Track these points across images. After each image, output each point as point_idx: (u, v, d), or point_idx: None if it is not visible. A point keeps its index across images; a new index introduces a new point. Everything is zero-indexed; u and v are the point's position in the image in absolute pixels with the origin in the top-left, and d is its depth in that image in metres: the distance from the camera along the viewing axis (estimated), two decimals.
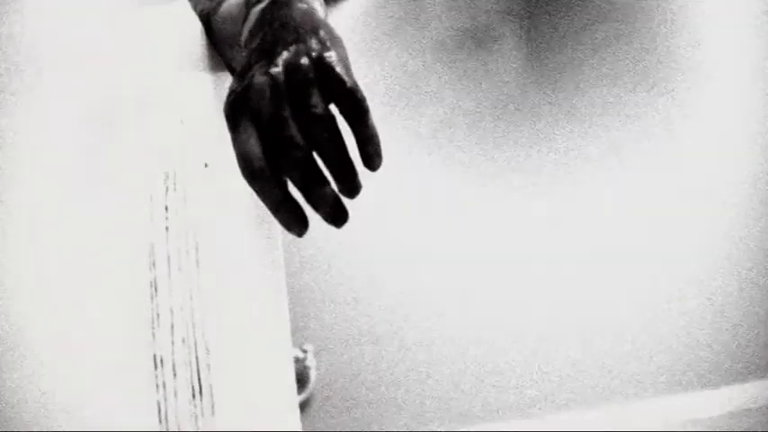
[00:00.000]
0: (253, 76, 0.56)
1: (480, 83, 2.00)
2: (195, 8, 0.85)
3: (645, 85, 2.00)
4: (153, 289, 0.47)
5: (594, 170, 1.95)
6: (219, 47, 0.83)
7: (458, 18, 2.05)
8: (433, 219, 1.90)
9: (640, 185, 1.91)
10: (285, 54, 0.57)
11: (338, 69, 0.56)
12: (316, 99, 0.54)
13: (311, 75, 0.56)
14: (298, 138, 0.53)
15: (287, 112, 0.53)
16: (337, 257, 1.88)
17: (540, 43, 2.01)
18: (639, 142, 1.96)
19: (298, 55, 0.57)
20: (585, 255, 1.87)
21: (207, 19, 0.83)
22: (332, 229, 1.80)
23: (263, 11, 0.65)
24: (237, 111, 0.54)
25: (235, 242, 0.74)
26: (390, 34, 2.09)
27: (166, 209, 0.55)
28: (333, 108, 1.86)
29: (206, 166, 0.71)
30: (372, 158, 0.56)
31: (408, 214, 1.91)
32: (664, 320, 1.81)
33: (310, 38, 0.59)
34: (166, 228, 0.54)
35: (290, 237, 1.56)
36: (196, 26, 0.81)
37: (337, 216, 0.53)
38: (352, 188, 0.54)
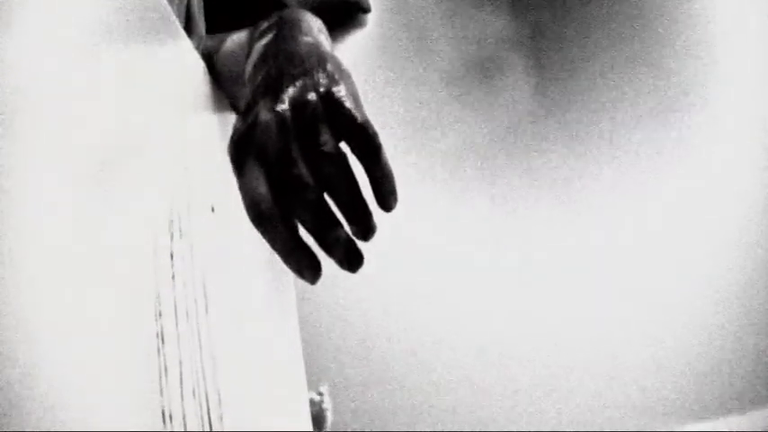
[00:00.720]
0: (258, 113, 0.53)
1: (490, 114, 1.99)
2: (198, 47, 0.83)
3: (657, 110, 1.98)
4: (160, 340, 0.45)
5: (608, 198, 1.93)
6: (223, 86, 0.81)
7: (465, 49, 2.04)
8: (447, 254, 1.88)
9: (655, 213, 1.89)
10: (291, 89, 0.55)
11: (348, 104, 0.54)
12: (325, 136, 0.52)
13: (319, 111, 0.53)
14: (307, 178, 0.50)
15: (295, 151, 0.51)
16: (350, 296, 1.85)
17: (549, 71, 2.00)
18: (653, 169, 1.94)
19: (304, 90, 0.55)
20: (601, 285, 1.84)
21: (210, 58, 0.82)
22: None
23: (267, 45, 0.63)
24: (242, 151, 0.52)
25: (245, 288, 0.72)
26: (397, 68, 2.08)
27: (172, 256, 0.52)
28: (343, 145, 1.85)
29: (212, 210, 0.69)
30: (387, 198, 0.54)
31: (422, 250, 1.89)
32: (673, 347, 1.77)
33: (317, 72, 0.57)
34: (172, 276, 0.51)
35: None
36: (199, 66, 0.79)
37: (352, 260, 0.50)
38: (366, 230, 0.52)
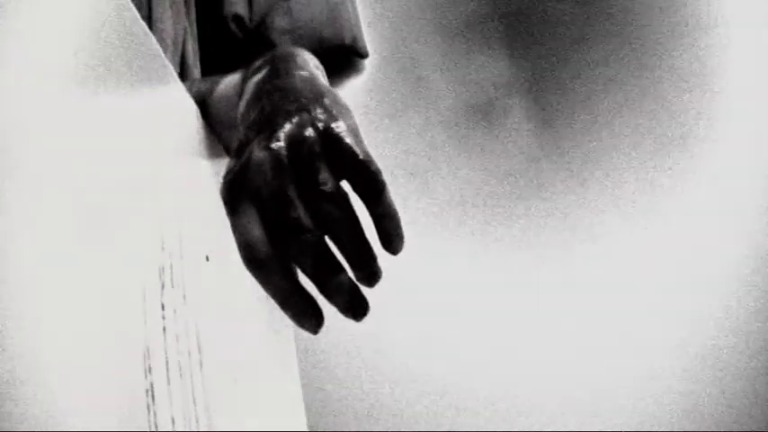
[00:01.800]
0: (251, 152, 0.50)
1: (491, 159, 1.97)
2: (190, 90, 0.81)
3: (657, 152, 1.96)
4: (150, 398, 0.42)
5: (611, 240, 1.90)
6: (217, 130, 0.78)
7: (464, 93, 2.03)
8: (448, 300, 1.84)
9: (659, 254, 1.86)
10: (287, 126, 0.51)
11: (348, 140, 0.51)
12: (324, 175, 0.48)
13: (317, 148, 0.50)
14: (306, 220, 0.47)
15: (291, 191, 0.47)
16: (351, 343, 1.82)
17: (549, 114, 1.99)
18: (655, 211, 1.91)
19: (301, 126, 0.51)
20: (604, 329, 1.81)
21: (203, 102, 0.79)
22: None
23: (260, 81, 0.60)
24: (236, 192, 0.48)
25: (242, 340, 0.69)
26: (395, 114, 2.07)
27: (163, 307, 0.49)
28: (344, 185, 1.82)
29: (207, 259, 0.66)
30: (393, 240, 0.50)
31: (423, 296, 1.85)
32: (674, 392, 1.73)
33: (314, 107, 0.53)
34: (163, 328, 0.48)
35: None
36: (192, 110, 0.77)
37: (356, 308, 0.46)
38: (371, 275, 0.48)
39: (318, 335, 1.76)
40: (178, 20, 1.68)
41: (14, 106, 0.39)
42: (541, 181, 1.92)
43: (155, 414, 0.42)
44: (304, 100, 0.53)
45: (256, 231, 0.46)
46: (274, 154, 0.48)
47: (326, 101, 0.53)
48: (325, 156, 0.49)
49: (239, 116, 0.60)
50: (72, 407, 0.36)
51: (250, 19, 1.91)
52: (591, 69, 2.00)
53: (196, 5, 1.82)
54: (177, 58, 1.52)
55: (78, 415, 0.36)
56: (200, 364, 0.55)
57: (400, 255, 1.84)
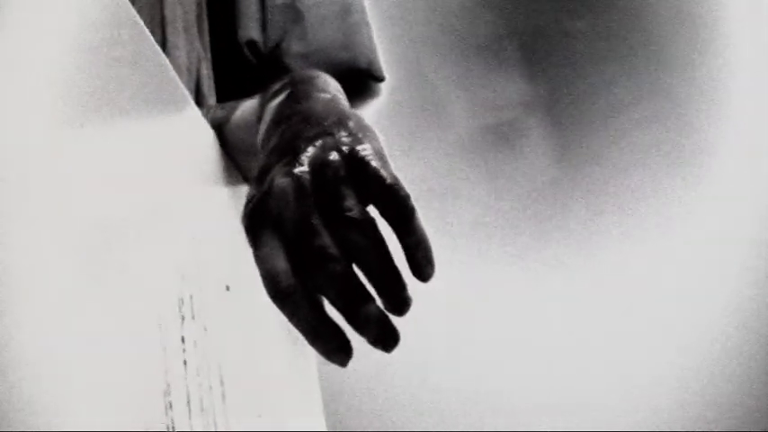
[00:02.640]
0: (273, 179, 0.48)
1: (510, 180, 1.95)
2: (207, 117, 0.79)
3: (678, 169, 1.94)
4: None
5: (632, 260, 1.87)
6: (235, 157, 0.77)
7: (481, 115, 2.01)
8: (471, 326, 1.82)
9: (681, 275, 1.83)
10: (310, 150, 0.49)
11: (374, 164, 0.48)
12: (350, 201, 0.46)
13: (342, 172, 0.48)
14: (332, 248, 0.44)
15: (316, 219, 0.45)
16: (376, 372, 1.79)
17: (568, 133, 1.97)
18: (676, 230, 1.88)
19: (325, 150, 0.49)
20: (625, 350, 1.78)
21: (220, 129, 0.77)
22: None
23: (280, 105, 0.58)
24: (257, 221, 0.46)
25: (264, 373, 0.67)
26: (412, 138, 2.05)
27: (183, 340, 0.47)
28: (371, 210, 1.80)
29: (227, 289, 0.64)
30: (423, 267, 0.48)
31: (444, 323, 1.83)
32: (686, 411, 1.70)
33: (338, 130, 0.51)
34: (184, 362, 0.46)
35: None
36: (208, 135, 0.75)
37: (387, 338, 0.44)
38: (400, 303, 0.46)
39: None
40: (192, 46, 1.67)
41: (27, 132, 0.37)
42: (561, 202, 1.90)
43: None
44: (326, 123, 0.51)
45: (280, 262, 0.44)
46: (297, 180, 0.46)
47: (350, 123, 0.51)
48: (351, 180, 0.47)
49: (259, 142, 0.58)
50: None
51: (264, 44, 1.90)
52: (609, 88, 1.97)
53: (210, 31, 1.81)
54: (192, 85, 1.52)
55: None
56: (223, 398, 0.53)
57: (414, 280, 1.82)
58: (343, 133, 0.50)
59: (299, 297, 0.43)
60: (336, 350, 0.43)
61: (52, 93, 0.41)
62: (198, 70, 1.67)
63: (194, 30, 1.79)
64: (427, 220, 1.93)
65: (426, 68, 2.11)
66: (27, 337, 0.32)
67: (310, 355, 0.82)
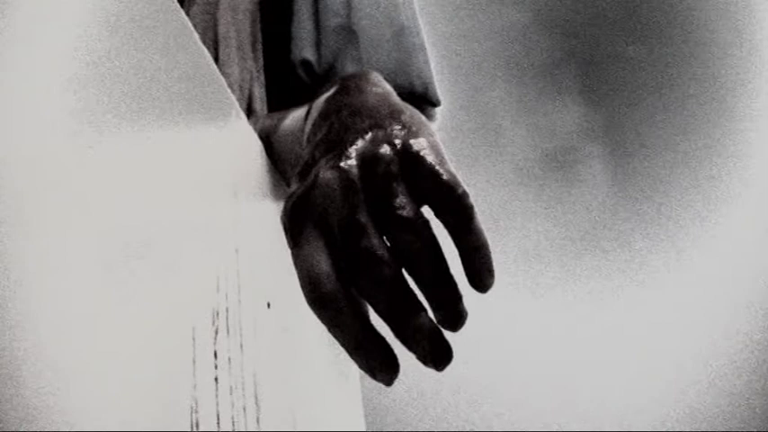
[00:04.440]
0: (318, 172, 0.44)
1: (566, 208, 1.90)
2: (255, 126, 0.76)
3: (737, 198, 1.88)
4: None
5: (693, 293, 1.81)
6: (281, 168, 0.73)
7: (538, 141, 1.97)
8: (521, 355, 1.77)
9: (745, 307, 1.76)
10: (360, 142, 0.45)
11: (429, 158, 0.44)
12: (402, 198, 0.42)
13: (394, 167, 0.43)
14: (380, 250, 0.40)
15: (364, 217, 0.41)
16: (421, 397, 1.75)
17: (626, 161, 1.91)
18: (736, 260, 1.82)
19: (375, 143, 0.45)
20: (686, 389, 1.72)
21: (268, 138, 0.74)
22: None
23: (329, 99, 0.54)
24: (299, 217, 0.42)
25: (304, 397, 0.63)
26: (468, 163, 2.02)
27: (215, 355, 0.44)
28: (426, 211, 1.75)
29: (269, 306, 0.61)
30: (482, 275, 0.43)
31: (495, 351, 1.78)
32: None
33: (391, 123, 0.47)
34: (215, 378, 0.42)
35: (371, 381, 1.45)
36: (256, 146, 0.72)
37: (438, 355, 0.39)
38: (455, 317, 0.41)
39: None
40: (245, 64, 1.65)
41: (72, 135, 0.34)
42: (618, 232, 1.84)
43: None
44: (378, 116, 0.47)
45: (323, 264, 0.39)
46: (344, 174, 0.42)
47: (404, 116, 0.47)
48: (404, 177, 0.43)
49: (305, 138, 0.55)
50: None
51: (318, 64, 1.88)
52: (669, 115, 1.92)
53: (264, 51, 1.79)
54: (243, 104, 1.49)
55: None
56: (258, 422, 0.49)
57: (469, 303, 1.77)
58: (397, 126, 0.46)
59: (341, 303, 0.39)
60: (381, 366, 0.39)
61: (99, 95, 0.38)
62: (250, 89, 1.66)
63: (248, 49, 1.78)
64: None
65: (482, 93, 2.07)
66: (53, 342, 0.29)
67: (354, 377, 0.78)
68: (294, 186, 0.44)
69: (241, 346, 0.50)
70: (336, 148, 0.45)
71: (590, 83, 2.00)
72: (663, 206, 1.86)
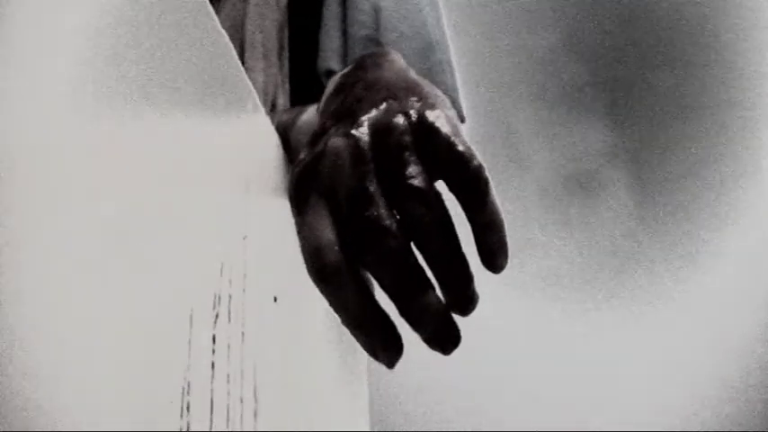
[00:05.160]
0: (327, 140, 0.42)
1: (588, 232, 1.87)
2: (273, 121, 0.75)
3: (763, 228, 1.85)
4: None
5: (714, 321, 1.78)
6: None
7: (561, 163, 1.94)
8: (538, 378, 1.74)
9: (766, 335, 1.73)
10: (373, 112, 0.43)
11: (445, 130, 0.42)
12: (414, 168, 0.39)
13: (407, 137, 0.41)
14: (388, 220, 0.38)
15: (373, 186, 0.39)
16: (429, 398, 1.72)
17: (650, 187, 1.89)
18: (762, 289, 1.79)
19: (390, 113, 0.43)
20: (706, 417, 1.68)
21: (285, 132, 0.73)
22: (429, 359, 1.65)
23: (345, 74, 0.52)
24: (304, 185, 0.40)
25: (308, 399, 0.61)
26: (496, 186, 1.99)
27: (214, 340, 0.42)
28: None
29: (275, 300, 0.59)
30: (496, 254, 0.41)
31: (512, 372, 1.76)
32: None
33: (407, 95, 0.45)
34: (212, 364, 0.41)
35: (376, 370, 1.43)
36: (272, 139, 0.70)
37: (445, 337, 0.37)
38: (465, 299, 0.39)
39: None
40: (270, 72, 1.64)
41: (91, 117, 0.33)
42: (639, 258, 1.81)
43: None
44: (395, 89, 0.45)
45: (327, 233, 0.37)
46: (355, 142, 0.40)
47: (421, 90, 0.45)
48: (417, 148, 0.41)
49: (318, 114, 0.53)
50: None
51: None
52: (696, 142, 1.89)
53: (290, 60, 1.78)
54: (267, 111, 1.48)
55: None
56: (255, 415, 0.47)
57: (486, 323, 1.74)
58: (413, 98, 0.44)
59: (344, 276, 0.37)
60: (383, 345, 0.37)
61: (116, 79, 0.37)
62: (274, 96, 1.65)
63: (274, 57, 1.77)
64: None
65: (508, 113, 2.05)
66: (47, 314, 0.27)
67: (362, 378, 0.76)
68: (303, 154, 0.42)
69: (243, 334, 0.48)
70: (348, 117, 0.43)
71: (616, 107, 1.98)
72: (686, 234, 1.83)
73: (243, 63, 1.54)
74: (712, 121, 1.97)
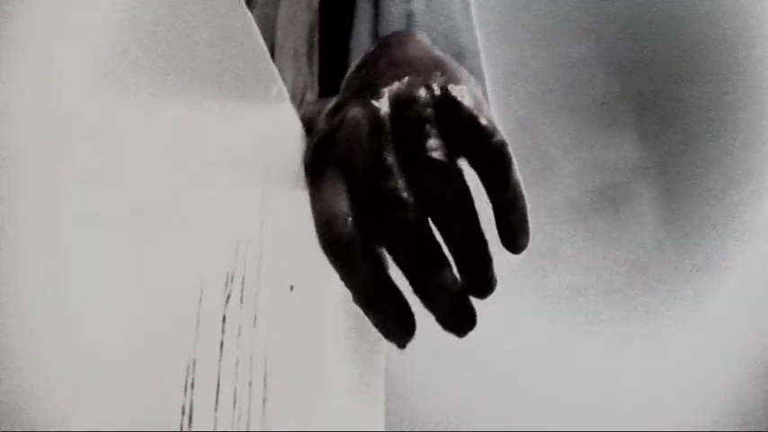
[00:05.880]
0: (346, 111, 0.41)
1: (615, 246, 1.85)
2: (298, 112, 0.74)
3: None
4: (185, 418, 0.33)
5: (738, 344, 1.75)
6: None
7: (590, 177, 1.92)
8: (559, 387, 1.72)
9: None
10: (395, 84, 0.42)
11: (468, 103, 0.41)
12: (435, 141, 0.38)
13: (429, 110, 0.40)
14: (404, 193, 0.36)
15: (391, 158, 0.37)
16: (452, 408, 1.70)
17: (678, 202, 1.86)
18: None
19: (412, 86, 0.42)
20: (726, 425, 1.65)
21: (310, 123, 0.72)
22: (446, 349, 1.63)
23: (368, 53, 0.51)
24: (321, 158, 0.39)
25: (320, 387, 0.60)
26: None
27: (224, 319, 0.40)
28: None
29: (291, 288, 0.58)
30: (516, 233, 0.39)
31: (533, 382, 1.74)
32: None
33: (431, 71, 0.44)
34: (220, 344, 0.39)
35: (393, 372, 1.41)
36: (295, 127, 0.69)
37: (461, 319, 0.35)
38: (483, 281, 0.37)
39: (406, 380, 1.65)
40: (299, 72, 1.64)
41: (114, 95, 0.33)
42: (664, 273, 1.79)
43: None
44: (419, 64, 0.44)
45: (340, 205, 0.36)
46: (374, 111, 0.39)
47: (448, 66, 0.44)
48: (438, 122, 0.39)
49: (341, 90, 0.51)
50: (80, 406, 0.27)
51: None
52: (726, 158, 1.86)
53: (320, 61, 1.78)
54: (298, 100, 1.48)
55: (84, 414, 0.27)
56: (264, 402, 0.45)
57: (509, 335, 1.72)
58: (437, 73, 0.42)
59: (356, 249, 0.35)
60: (395, 324, 0.35)
61: (139, 60, 0.36)
62: (302, 97, 1.64)
63: (304, 58, 1.76)
64: (523, 279, 1.85)
65: (537, 124, 2.03)
66: (55, 281, 0.26)
67: (379, 380, 0.74)
68: (321, 124, 0.41)
69: (255, 318, 0.46)
70: (369, 90, 0.42)
71: (646, 121, 1.95)
72: (712, 252, 1.80)
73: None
74: (742, 137, 1.94)
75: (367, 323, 0.70)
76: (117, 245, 0.32)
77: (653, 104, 2.00)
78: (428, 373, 1.69)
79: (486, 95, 1.81)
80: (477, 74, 1.99)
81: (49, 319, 0.27)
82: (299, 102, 1.67)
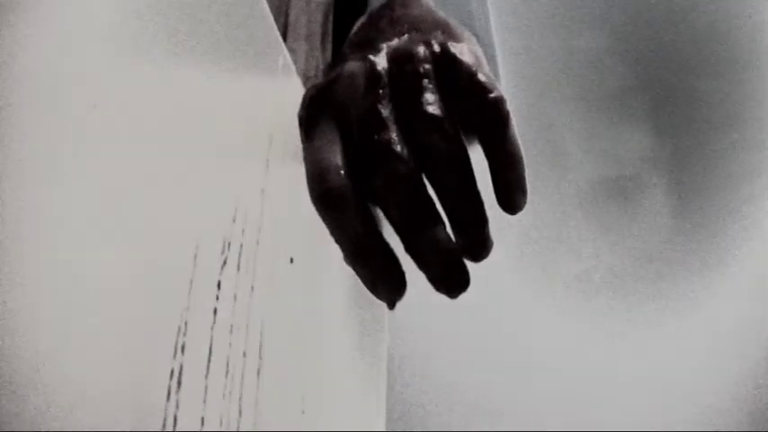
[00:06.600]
0: (343, 65, 0.40)
1: (623, 237, 1.84)
2: (305, 86, 0.73)
3: None
4: (173, 382, 0.32)
5: (743, 336, 1.74)
6: None
7: (601, 166, 1.91)
8: (566, 379, 1.71)
9: None
10: (395, 40, 0.41)
11: (468, 60, 0.40)
12: (431, 95, 0.37)
13: (428, 66, 0.39)
14: (398, 145, 0.35)
15: (387, 110, 0.36)
16: (454, 406, 1.70)
17: (690, 194, 1.84)
18: None
19: (411, 42, 0.41)
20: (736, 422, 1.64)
21: None
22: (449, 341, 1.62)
23: (370, 14, 0.50)
24: (316, 109, 0.38)
25: (319, 369, 0.59)
26: (529, 183, 1.96)
27: (219, 285, 0.39)
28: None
29: (291, 261, 0.57)
30: (513, 192, 0.38)
31: (539, 374, 1.73)
32: None
33: (431, 29, 0.43)
34: (214, 310, 0.38)
35: (395, 369, 1.40)
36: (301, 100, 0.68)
37: (453, 279, 0.34)
38: (478, 243, 0.36)
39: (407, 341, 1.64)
40: (312, 54, 1.63)
41: (123, 63, 0.32)
42: (672, 264, 1.77)
43: (177, 405, 0.32)
44: (420, 23, 0.43)
45: (333, 157, 0.35)
46: (371, 65, 0.38)
47: (449, 25, 0.43)
48: (437, 78, 0.38)
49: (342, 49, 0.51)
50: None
51: None
52: (739, 153, 1.85)
53: (333, 45, 1.77)
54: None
55: (68, 383, 0.26)
56: (258, 373, 0.45)
57: (513, 323, 1.71)
58: (438, 32, 0.42)
59: (347, 201, 0.34)
60: (383, 279, 0.34)
61: (144, 28, 0.35)
62: (315, 77, 1.63)
63: (317, 40, 1.75)
64: (532, 268, 1.84)
65: (550, 114, 2.02)
66: (52, 239, 0.25)
67: (381, 373, 0.73)
68: (318, 79, 0.41)
69: (252, 288, 0.45)
70: (368, 45, 0.41)
71: (659, 113, 1.94)
72: (721, 245, 1.79)
73: (284, 43, 1.52)
74: (754, 131, 1.92)
75: (367, 300, 0.69)
76: (116, 203, 0.31)
77: (666, 97, 1.99)
78: (430, 364, 1.69)
79: (498, 75, 1.79)
80: (490, 62, 1.96)
81: (46, 277, 0.26)
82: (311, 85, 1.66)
